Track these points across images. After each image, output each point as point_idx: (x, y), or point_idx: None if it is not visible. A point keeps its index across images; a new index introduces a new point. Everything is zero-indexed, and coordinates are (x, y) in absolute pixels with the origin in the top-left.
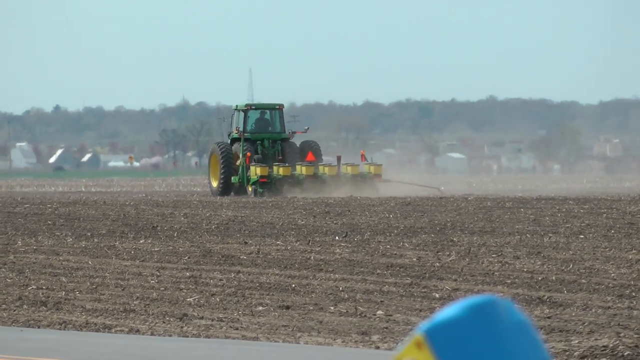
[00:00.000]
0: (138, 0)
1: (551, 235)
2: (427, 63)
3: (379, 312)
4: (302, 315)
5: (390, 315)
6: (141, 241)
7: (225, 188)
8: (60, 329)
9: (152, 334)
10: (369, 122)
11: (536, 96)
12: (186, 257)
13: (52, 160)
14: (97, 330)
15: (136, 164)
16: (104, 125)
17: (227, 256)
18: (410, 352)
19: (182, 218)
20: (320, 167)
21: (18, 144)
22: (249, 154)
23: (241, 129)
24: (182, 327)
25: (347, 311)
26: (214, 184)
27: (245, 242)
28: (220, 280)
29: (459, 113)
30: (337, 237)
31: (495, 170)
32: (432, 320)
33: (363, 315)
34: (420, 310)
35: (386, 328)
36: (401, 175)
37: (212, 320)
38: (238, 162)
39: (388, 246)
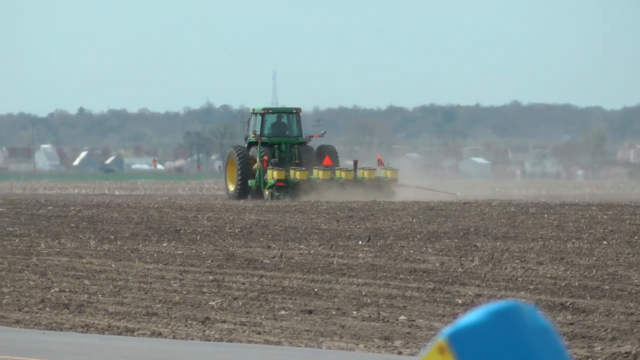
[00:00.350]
0: (162, 3)
1: (574, 241)
2: (451, 68)
3: (402, 317)
4: (325, 320)
5: (413, 321)
6: (164, 244)
7: (243, 191)
8: (82, 332)
9: (174, 338)
10: (393, 126)
11: (560, 101)
12: (209, 261)
13: (76, 162)
14: (120, 334)
15: (160, 167)
16: (128, 128)
17: (250, 260)
18: (433, 358)
19: (206, 221)
20: (337, 172)
21: (42, 146)
22: (266, 157)
23: (258, 132)
24: (204, 330)
25: (369, 316)
26: (231, 187)
27: (269, 246)
28: (243, 284)
29: (483, 118)
30: (360, 242)
31: (518, 176)
32: (454, 326)
33: (386, 320)
34: (443, 316)
35: (409, 333)
36: (425, 180)
37: (235, 324)
38: (255, 166)
39: (411, 251)
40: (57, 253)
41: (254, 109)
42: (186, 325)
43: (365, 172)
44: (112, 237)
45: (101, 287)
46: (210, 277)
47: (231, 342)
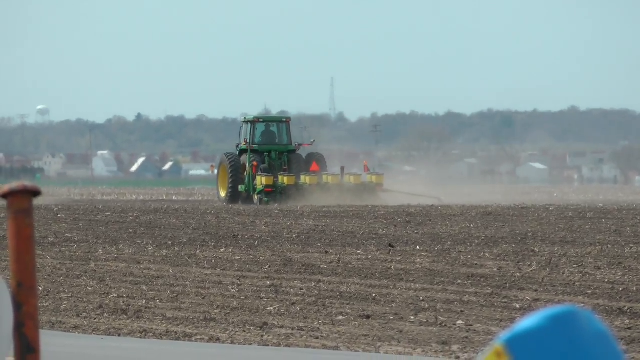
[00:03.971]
0: (220, 9)
1: (632, 245)
2: (509, 73)
3: (459, 322)
4: (383, 325)
5: (471, 325)
6: (222, 250)
7: (233, 197)
8: (140, 337)
9: (232, 343)
10: (451, 132)
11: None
12: (267, 266)
13: (133, 168)
14: (178, 339)
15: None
16: (185, 134)
17: (307, 265)
18: None
19: (263, 227)
20: (324, 177)
21: (100, 152)
22: (255, 163)
23: (249, 140)
24: (262, 335)
25: (427, 321)
26: (222, 193)
27: (326, 251)
28: (301, 289)
29: (541, 123)
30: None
31: (576, 181)
32: (512, 330)
33: (443, 325)
34: (501, 321)
35: (466, 338)
36: (482, 186)
37: (293, 330)
38: (245, 172)
39: (469, 256)
40: (115, 259)
41: (245, 118)
42: (244, 331)
43: (352, 178)
44: (170, 242)
45: (159, 293)
46: (268, 283)
47: (289, 347)
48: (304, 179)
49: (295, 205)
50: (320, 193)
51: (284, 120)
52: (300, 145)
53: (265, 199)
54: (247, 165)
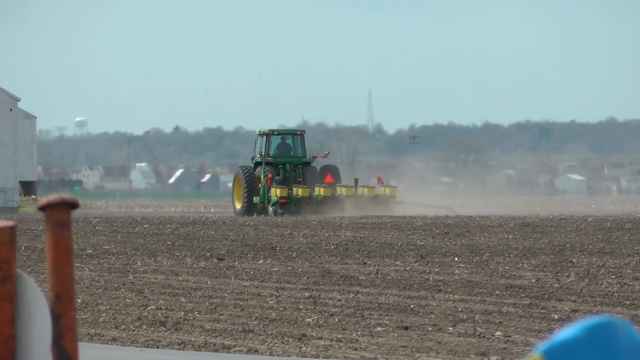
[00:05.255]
0: (256, 22)
1: None
2: (546, 84)
3: (498, 332)
4: (421, 336)
5: (509, 336)
6: (260, 261)
7: (249, 209)
8: (179, 349)
9: (270, 354)
10: (489, 143)
11: None
12: (305, 278)
13: (171, 180)
14: (216, 351)
15: None
16: (223, 146)
17: (346, 276)
18: None
19: (301, 238)
20: (338, 189)
21: (138, 165)
22: (269, 175)
23: (264, 153)
24: (300, 347)
25: (465, 332)
26: (238, 205)
27: (364, 263)
28: (339, 300)
29: (579, 134)
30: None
31: (614, 192)
32: (550, 341)
33: (482, 336)
34: (539, 331)
35: (505, 349)
36: (520, 197)
37: (331, 341)
38: (260, 184)
39: (507, 267)
40: (154, 271)
41: (259, 131)
42: (282, 342)
43: (365, 190)
44: (208, 254)
45: (197, 305)
46: (307, 294)
47: (327, 358)
48: (318, 190)
49: (333, 217)
50: (334, 205)
51: (299, 133)
52: (314, 157)
53: (280, 211)
54: (262, 177)
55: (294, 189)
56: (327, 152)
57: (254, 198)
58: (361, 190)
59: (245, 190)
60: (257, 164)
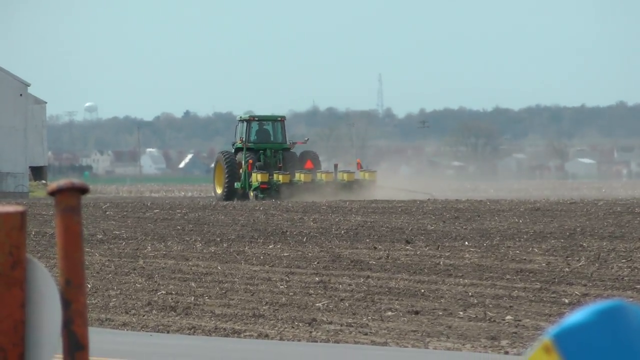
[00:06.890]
0: (268, 6)
1: None
2: (557, 68)
3: (508, 317)
4: (431, 321)
5: (520, 321)
6: (270, 246)
7: (230, 194)
8: (189, 334)
9: (280, 339)
10: (499, 127)
11: None
12: (315, 262)
13: (181, 165)
14: (226, 335)
15: None
16: (233, 131)
17: (356, 261)
18: (539, 357)
19: (312, 223)
20: (318, 174)
21: (148, 150)
22: (250, 161)
23: (245, 139)
24: (310, 332)
25: (476, 316)
26: (219, 190)
27: (375, 247)
28: (350, 285)
29: (589, 118)
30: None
31: (625, 176)
32: (560, 325)
33: (492, 320)
34: (550, 315)
35: (515, 333)
36: (531, 182)
37: (341, 326)
38: (241, 170)
39: (517, 251)
40: (164, 256)
41: (240, 117)
42: (293, 327)
43: (345, 175)
44: (219, 239)
45: (207, 290)
46: (317, 279)
47: (338, 343)
48: (299, 176)
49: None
50: (314, 190)
51: (279, 119)
52: (294, 143)
53: (261, 195)
54: (243, 163)
55: (275, 175)
56: (306, 139)
57: (235, 183)
58: (340, 175)
59: (227, 175)
60: (238, 150)
